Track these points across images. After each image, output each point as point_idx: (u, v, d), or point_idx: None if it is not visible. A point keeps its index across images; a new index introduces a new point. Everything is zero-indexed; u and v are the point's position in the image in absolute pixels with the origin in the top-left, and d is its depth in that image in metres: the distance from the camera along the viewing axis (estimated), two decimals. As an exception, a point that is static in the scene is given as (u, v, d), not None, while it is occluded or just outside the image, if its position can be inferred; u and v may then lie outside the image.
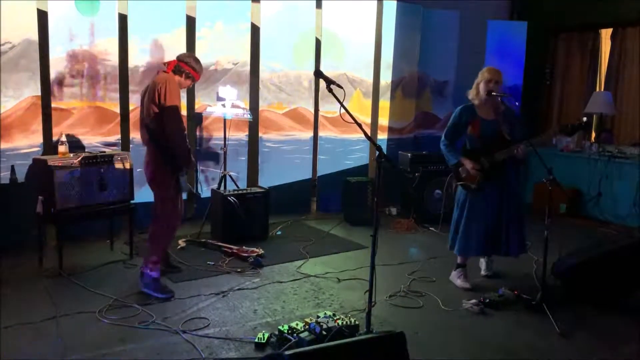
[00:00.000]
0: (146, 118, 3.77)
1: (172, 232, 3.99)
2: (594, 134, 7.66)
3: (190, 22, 5.54)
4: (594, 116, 7.57)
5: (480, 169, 3.99)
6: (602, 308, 3.81)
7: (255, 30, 5.93)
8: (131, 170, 4.59)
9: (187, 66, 3.89)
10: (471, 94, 4.12)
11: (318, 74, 3.29)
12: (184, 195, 4.13)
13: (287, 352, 2.10)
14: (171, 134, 3.69)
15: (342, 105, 3.08)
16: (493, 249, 4.13)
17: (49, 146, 4.87)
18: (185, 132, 3.81)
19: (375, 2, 6.52)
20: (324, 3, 6.23)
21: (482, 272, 4.44)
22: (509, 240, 4.08)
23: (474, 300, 3.79)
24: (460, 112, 4.13)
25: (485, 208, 4.05)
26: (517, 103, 7.19)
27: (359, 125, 3.11)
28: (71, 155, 4.34)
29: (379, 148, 3.04)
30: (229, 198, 5.04)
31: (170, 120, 3.67)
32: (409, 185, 6.19)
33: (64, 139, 4.41)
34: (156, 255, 3.86)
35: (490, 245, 4.09)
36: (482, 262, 4.47)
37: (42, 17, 4.75)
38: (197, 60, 3.99)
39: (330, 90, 3.11)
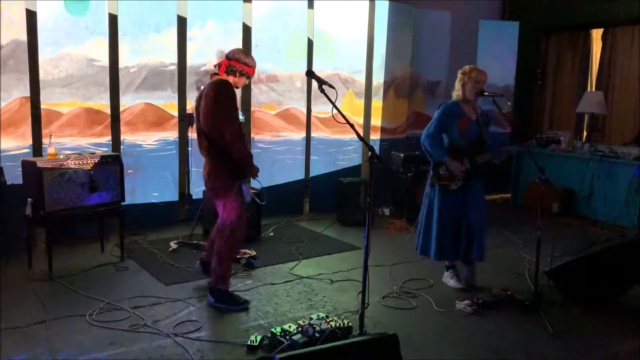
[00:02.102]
0: (202, 126, 3.65)
1: (238, 243, 3.80)
2: (585, 134, 7.71)
3: (182, 22, 5.50)
4: (586, 115, 7.62)
5: (465, 170, 3.98)
6: (595, 308, 3.81)
7: (246, 31, 5.90)
8: (122, 171, 4.54)
9: (238, 63, 3.65)
10: (455, 95, 4.06)
11: (310, 74, 3.28)
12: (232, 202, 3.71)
13: (279, 355, 2.08)
14: (230, 140, 3.51)
15: (334, 105, 3.07)
16: (464, 252, 4.05)
17: (38, 148, 4.82)
18: (244, 136, 3.62)
19: (367, 2, 6.51)
20: (315, 3, 6.21)
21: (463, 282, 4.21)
22: (472, 245, 4.01)
23: (467, 301, 3.78)
24: (451, 106, 4.03)
25: (458, 210, 4.00)
26: (509, 103, 7.20)
27: (351, 126, 3.10)
28: (61, 156, 4.30)
29: (371, 148, 3.03)
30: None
31: (227, 126, 3.50)
32: (401, 186, 6.18)
33: (53, 140, 4.37)
34: (225, 270, 3.72)
35: (463, 249, 4.03)
36: (465, 270, 4.24)
37: (31, 17, 4.70)
38: (247, 54, 3.76)
39: (322, 91, 3.09)
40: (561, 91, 8.21)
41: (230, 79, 3.66)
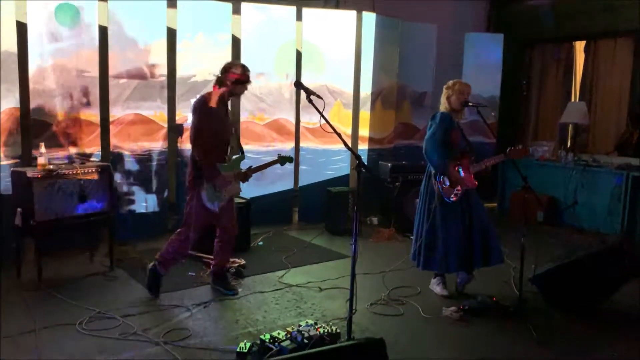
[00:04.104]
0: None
1: (187, 243, 3.99)
2: (569, 144, 7.83)
3: (171, 34, 5.55)
4: (570, 125, 7.75)
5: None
6: (578, 314, 3.88)
7: (236, 42, 5.97)
8: (111, 181, 4.57)
9: (226, 73, 3.87)
10: (442, 108, 4.12)
11: (298, 85, 3.35)
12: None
13: (268, 360, 2.12)
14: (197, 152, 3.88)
15: (322, 115, 3.13)
16: (473, 262, 4.09)
17: (28, 158, 4.83)
18: (209, 151, 3.85)
19: (355, 14, 6.61)
20: (304, 15, 6.30)
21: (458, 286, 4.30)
22: (489, 250, 4.08)
23: (453, 308, 3.84)
24: (449, 117, 4.05)
25: (460, 221, 4.03)
26: (492, 113, 7.33)
27: (339, 136, 3.16)
28: (51, 166, 4.31)
29: (357, 157, 3.09)
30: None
31: (193, 141, 3.88)
32: (389, 195, 6.25)
33: (43, 150, 4.38)
34: (165, 257, 3.99)
35: (470, 258, 4.07)
36: (462, 276, 4.29)
37: (21, 28, 4.72)
38: (233, 64, 3.95)
39: (310, 101, 3.16)
40: (545, 102, 8.34)
41: (223, 89, 3.87)
